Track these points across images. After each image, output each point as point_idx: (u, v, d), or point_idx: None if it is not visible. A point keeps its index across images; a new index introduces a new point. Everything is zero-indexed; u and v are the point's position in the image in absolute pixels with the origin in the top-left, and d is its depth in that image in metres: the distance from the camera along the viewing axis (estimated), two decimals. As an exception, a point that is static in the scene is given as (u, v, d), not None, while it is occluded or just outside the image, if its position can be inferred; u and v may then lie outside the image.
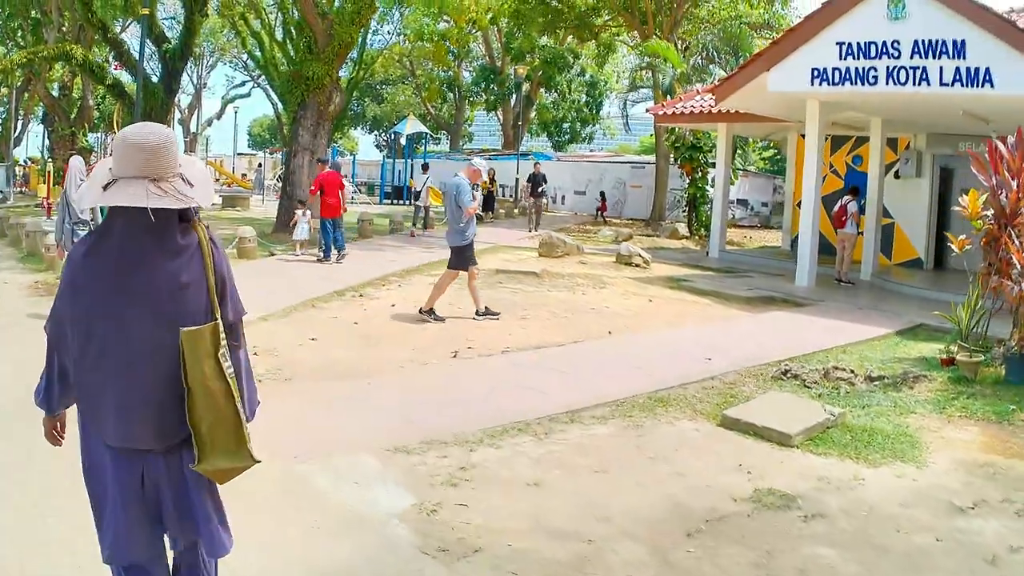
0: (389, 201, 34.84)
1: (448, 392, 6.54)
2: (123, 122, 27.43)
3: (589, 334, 9.05)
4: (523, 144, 42.70)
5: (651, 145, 67.41)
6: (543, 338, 8.71)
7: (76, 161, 9.51)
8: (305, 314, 9.44)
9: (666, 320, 10.19)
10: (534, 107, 43.77)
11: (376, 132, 60.29)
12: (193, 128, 52.58)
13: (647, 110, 19.57)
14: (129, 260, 2.44)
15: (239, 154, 55.13)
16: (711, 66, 23.14)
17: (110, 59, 27.90)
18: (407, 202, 34.15)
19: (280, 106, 46.46)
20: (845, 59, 12.28)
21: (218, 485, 2.68)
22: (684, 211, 24.23)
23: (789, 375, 7.53)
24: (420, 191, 21.19)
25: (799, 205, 18.99)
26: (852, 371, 7.63)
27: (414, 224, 20.51)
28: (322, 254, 14.03)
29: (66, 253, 9.19)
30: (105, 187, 2.44)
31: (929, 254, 17.26)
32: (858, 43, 12.10)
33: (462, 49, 40.80)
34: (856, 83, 12.23)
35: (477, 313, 9.52)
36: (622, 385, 6.88)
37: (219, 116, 55.99)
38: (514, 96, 42.08)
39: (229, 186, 37.57)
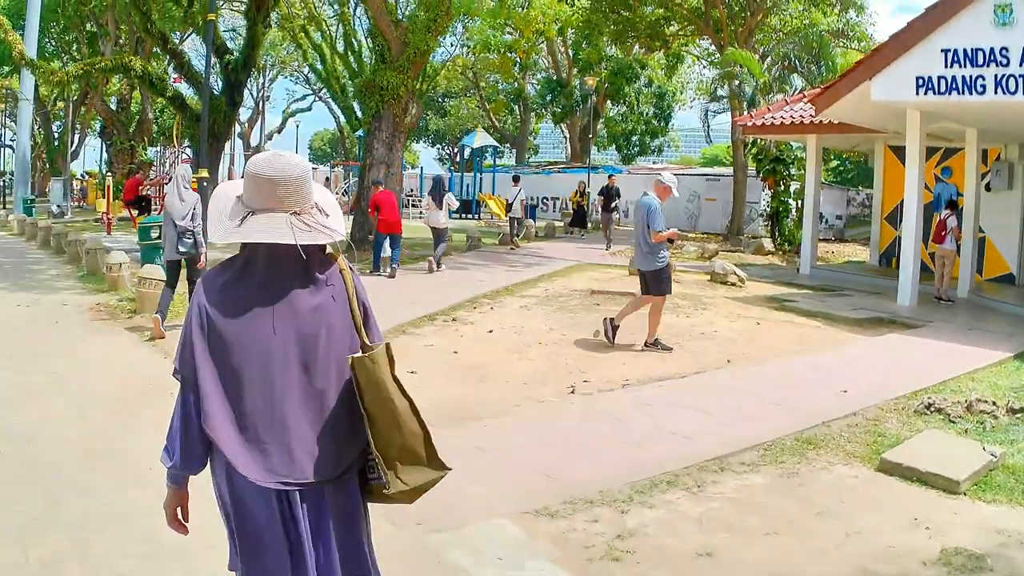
0: (457, 215, 34.55)
1: (579, 437, 6.03)
2: (183, 135, 27.37)
3: (708, 363, 8.50)
4: (590, 157, 42.36)
5: (713, 157, 66.73)
6: (660, 368, 8.18)
7: (182, 169, 9.65)
8: (398, 341, 8.95)
9: (781, 345, 9.58)
10: (601, 119, 43.28)
11: (439, 145, 60.39)
12: (254, 142, 53.07)
13: (735, 121, 18.88)
14: (273, 293, 2.37)
15: None
16: (791, 76, 22.33)
17: (169, 71, 27.99)
18: (475, 216, 34.02)
19: (343, 119, 46.96)
20: (951, 67, 11.62)
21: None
22: (766, 225, 23.44)
23: (932, 409, 6.99)
24: (512, 203, 21.54)
25: (887, 219, 18.42)
26: (994, 403, 7.10)
27: (515, 236, 21.08)
28: (372, 268, 14.62)
29: (165, 261, 9.53)
30: (241, 221, 2.36)
31: (1022, 269, 16.31)
32: (964, 50, 11.45)
33: (528, 60, 40.36)
34: (964, 92, 11.56)
35: (646, 343, 8.98)
36: (762, 424, 6.39)
37: (280, 130, 56.52)
38: (580, 108, 41.70)
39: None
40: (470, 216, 33.62)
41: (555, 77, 43.48)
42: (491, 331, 9.59)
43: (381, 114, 17.23)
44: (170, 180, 12.13)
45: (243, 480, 2.35)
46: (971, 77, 11.42)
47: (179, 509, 2.53)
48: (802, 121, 16.11)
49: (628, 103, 41.87)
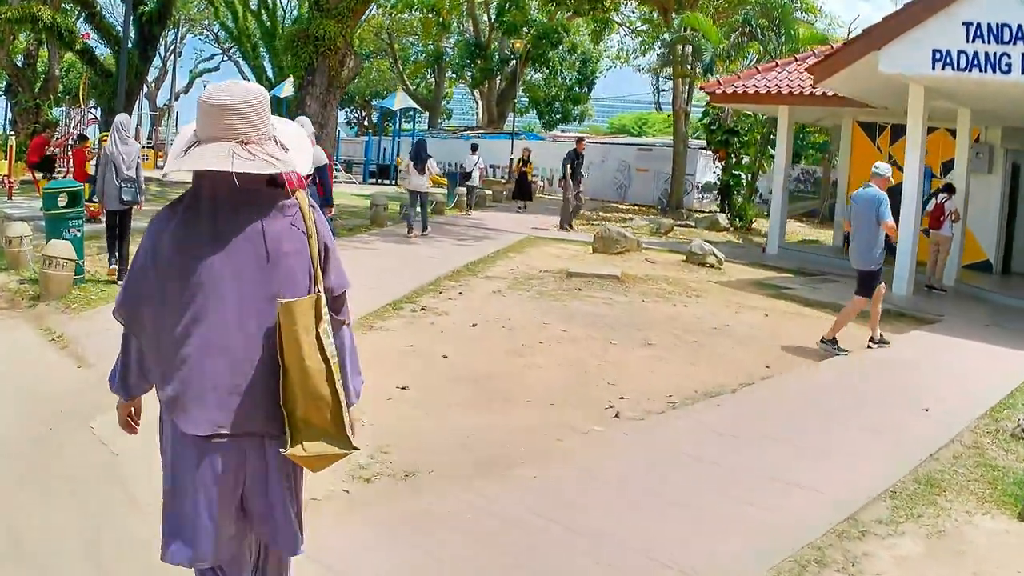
0: (374, 181, 32.29)
1: (666, 492, 4.39)
2: (89, 94, 24.84)
3: (746, 370, 7.01)
4: (508, 123, 40.74)
5: (621, 127, 65.98)
6: (698, 378, 6.65)
7: (121, 117, 9.29)
8: (367, 340, 6.93)
9: (810, 346, 8.21)
10: (518, 84, 41.44)
11: (347, 108, 57.01)
12: (160, 103, 49.43)
13: (701, 87, 17.48)
14: (223, 230, 2.22)
15: None
16: (747, 45, 21.10)
17: (79, 25, 25.44)
18: (392, 182, 31.78)
19: (252, 79, 44.33)
20: (973, 42, 10.53)
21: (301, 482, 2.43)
22: (714, 199, 22.31)
23: (1028, 431, 5.95)
24: (471, 172, 21.32)
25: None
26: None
27: (469, 206, 20.74)
28: None
29: (105, 211, 9.16)
30: (186, 150, 2.23)
31: (998, 256, 15.59)
32: (989, 25, 10.38)
33: (448, 21, 38.11)
34: (985, 70, 10.50)
35: (872, 341, 8.24)
36: (867, 461, 5.14)
37: (186, 90, 52.55)
38: (499, 72, 39.90)
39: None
40: (387, 182, 31.39)
41: (475, 40, 41.38)
42: (474, 325, 7.84)
43: (315, 67, 15.01)
44: (74, 139, 12.15)
45: (178, 427, 2.23)
46: (995, 54, 10.40)
47: (132, 411, 2.52)
48: (779, 91, 14.82)
49: (551, 68, 40.28)
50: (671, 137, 37.06)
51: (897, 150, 16.64)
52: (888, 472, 4.98)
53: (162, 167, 29.13)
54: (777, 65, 16.07)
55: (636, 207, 29.55)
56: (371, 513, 3.90)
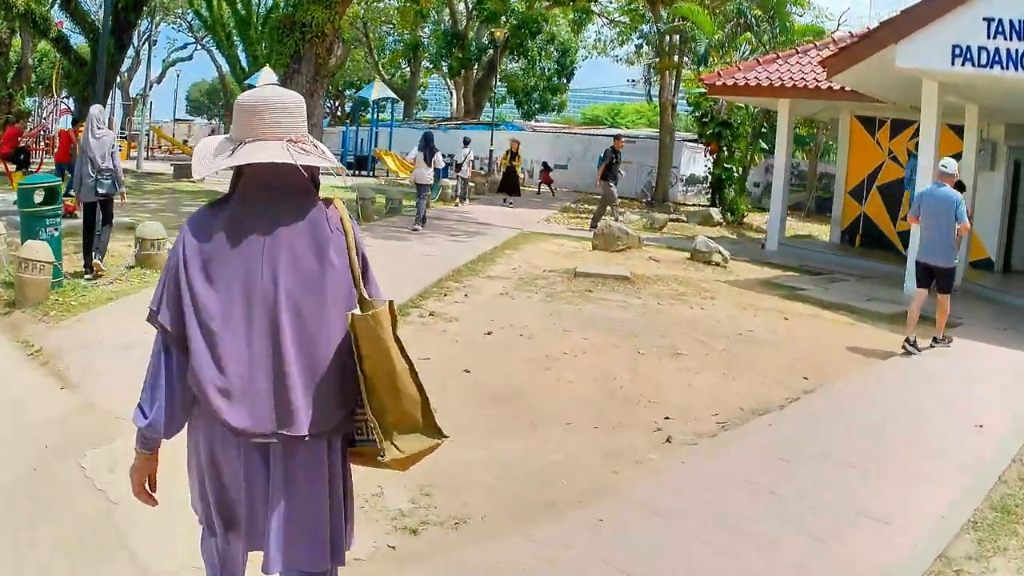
0: (352, 172, 31.49)
1: (734, 529, 3.93)
2: (62, 84, 23.93)
3: (785, 382, 6.56)
4: (485, 114, 40.07)
5: (594, 117, 65.47)
6: (739, 392, 6.19)
7: (95, 109, 9.14)
8: None
9: (838, 352, 7.81)
10: (496, 74, 40.71)
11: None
12: (133, 92, 48.10)
13: (701, 79, 17.02)
14: (268, 230, 2.16)
15: (177, 120, 50.61)
16: (737, 36, 20.66)
17: (53, 12, 24.49)
18: (370, 173, 31.02)
19: (227, 68, 43.41)
20: (995, 38, 10.17)
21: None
22: (703, 192, 21.89)
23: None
24: (463, 164, 21.30)
25: (852, 193, 17.15)
26: None
27: (463, 196, 20.99)
28: None
29: (82, 205, 8.90)
30: (232, 151, 2.15)
31: (1000, 254, 15.34)
32: (1011, 21, 10.04)
33: (427, 10, 37.29)
34: (1007, 67, 10.14)
35: (935, 340, 8.23)
36: (933, 484, 4.80)
37: (159, 80, 51.29)
38: (477, 62, 39.17)
39: (171, 152, 33.47)
40: (364, 173, 30.64)
41: (452, 29, 40.60)
42: (489, 333, 7.31)
43: (301, 55, 14.29)
44: (44, 131, 11.98)
45: (221, 430, 2.14)
46: (1018, 51, 10.06)
47: (148, 477, 2.29)
48: (781, 84, 14.41)
49: (530, 58, 39.62)
50: (649, 129, 36.68)
51: (897, 145, 16.41)
52: (960, 498, 4.64)
53: (135, 157, 28.63)
54: (779, 57, 15.65)
55: (620, 199, 29.13)
56: (424, 572, 3.38)
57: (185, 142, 37.62)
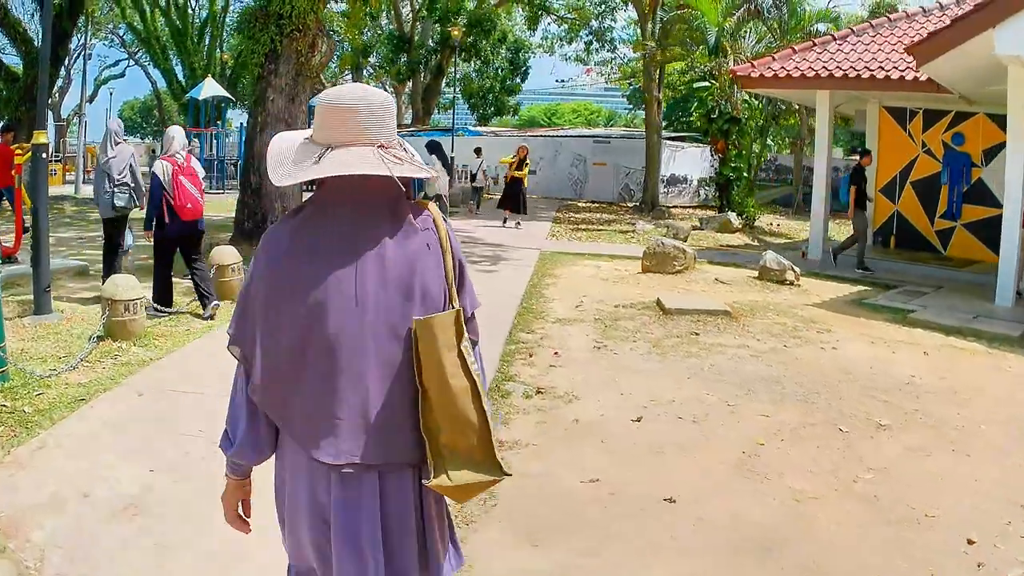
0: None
1: None
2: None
3: (996, 453, 4.98)
4: (433, 119, 38.17)
5: (530, 119, 63.95)
6: (995, 479, 4.54)
7: (113, 124, 8.67)
8: (530, 478, 4.49)
9: (1016, 405, 6.23)
10: (444, 78, 38.70)
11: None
12: (65, 112, 44.76)
13: (732, 71, 15.37)
14: (356, 244, 1.97)
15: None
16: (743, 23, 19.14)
17: None
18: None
19: (162, 84, 40.75)
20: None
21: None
22: (715, 196, 20.38)
23: None
24: (476, 174, 21.83)
25: (883, 191, 15.80)
26: None
27: (477, 205, 21.34)
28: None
29: (102, 222, 8.67)
30: (318, 158, 1.95)
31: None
32: None
33: (377, 11, 35.13)
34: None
35: None
36: None
37: (91, 99, 47.76)
38: (427, 65, 37.12)
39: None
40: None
41: (398, 32, 38.44)
42: (638, 419, 5.44)
43: (279, 53, 12.10)
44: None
45: (305, 459, 1.99)
46: None
47: (240, 503, 2.18)
48: (828, 73, 12.92)
49: (484, 58, 37.75)
50: (590, 128, 35.15)
51: (931, 137, 15.10)
52: None
53: (72, 181, 25.79)
54: (815, 44, 14.15)
55: (595, 204, 27.61)
56: None
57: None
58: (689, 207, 27.31)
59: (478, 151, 22.16)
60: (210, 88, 27.85)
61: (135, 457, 4.49)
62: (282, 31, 11.96)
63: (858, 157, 13.15)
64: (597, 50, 38.02)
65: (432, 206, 2.11)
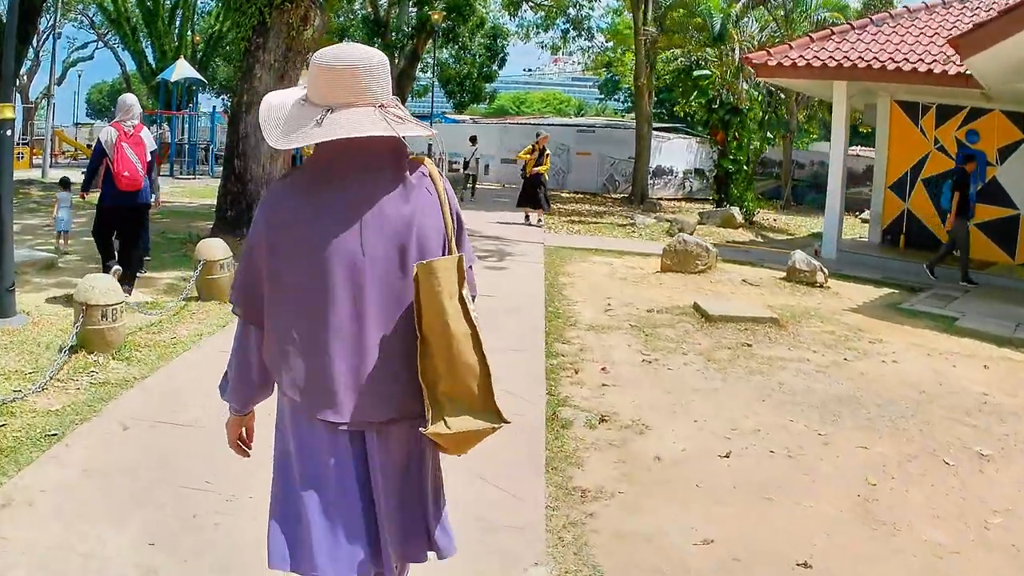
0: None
1: None
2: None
3: None
4: (410, 106, 37.13)
5: (499, 108, 63.14)
6: None
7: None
8: (625, 546, 4.08)
9: None
10: (419, 63, 37.70)
11: (224, 96, 51.13)
12: (33, 94, 43.10)
13: (746, 59, 14.75)
14: (355, 202, 1.95)
15: (77, 124, 45.38)
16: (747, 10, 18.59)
17: None
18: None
19: (132, 66, 39.38)
20: None
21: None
22: (713, 190, 19.83)
23: None
24: (470, 161, 22.10)
25: (893, 188, 15.37)
26: None
27: (472, 194, 21.69)
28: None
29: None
30: (320, 120, 1.90)
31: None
32: None
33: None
34: None
35: None
36: None
37: (60, 82, 45.94)
38: (402, 50, 36.10)
39: (76, 159, 29.20)
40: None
41: (372, 16, 37.33)
42: (727, 455, 4.80)
43: (268, 26, 11.18)
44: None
45: (308, 417, 1.98)
46: None
47: (243, 430, 2.24)
48: (850, 62, 12.40)
49: (462, 43, 36.84)
50: (562, 117, 34.43)
51: (944, 133, 14.66)
52: None
53: (39, 164, 24.51)
54: (833, 33, 13.62)
55: (579, 195, 27.02)
56: None
57: (89, 146, 33.24)
58: (675, 199, 26.82)
59: (473, 139, 22.75)
60: (182, 70, 26.76)
61: (128, 523, 3.49)
62: (271, 1, 11.09)
63: (962, 162, 12.38)
64: (574, 38, 37.43)
65: (428, 161, 2.07)
